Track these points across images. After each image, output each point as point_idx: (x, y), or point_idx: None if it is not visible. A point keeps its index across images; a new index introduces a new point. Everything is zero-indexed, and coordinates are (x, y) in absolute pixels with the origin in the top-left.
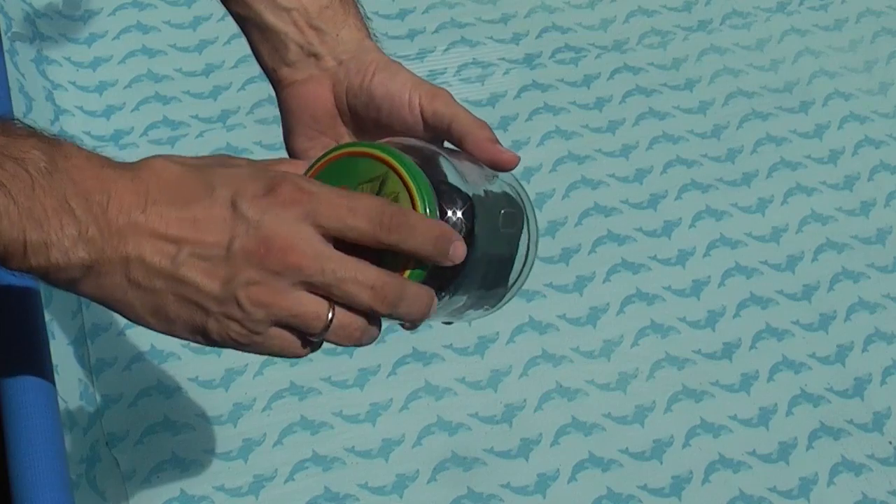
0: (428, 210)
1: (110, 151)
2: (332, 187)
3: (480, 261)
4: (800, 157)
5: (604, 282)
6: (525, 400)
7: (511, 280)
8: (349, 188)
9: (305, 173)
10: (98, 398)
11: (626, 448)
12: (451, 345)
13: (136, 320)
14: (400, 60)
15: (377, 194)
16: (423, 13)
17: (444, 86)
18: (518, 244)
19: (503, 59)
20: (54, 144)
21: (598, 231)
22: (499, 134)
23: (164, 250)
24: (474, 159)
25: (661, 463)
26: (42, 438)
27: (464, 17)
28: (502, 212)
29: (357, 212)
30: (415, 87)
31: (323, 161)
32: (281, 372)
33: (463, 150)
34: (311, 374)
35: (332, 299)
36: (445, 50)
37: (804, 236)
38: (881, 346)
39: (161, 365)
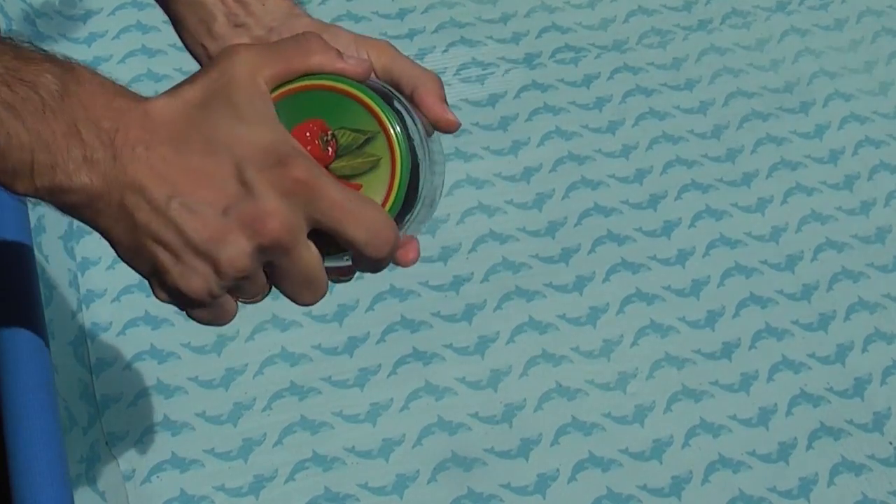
0: (399, 184)
1: None
2: (337, 182)
3: (422, 208)
4: (800, 157)
5: (604, 282)
6: (525, 400)
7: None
8: (326, 124)
9: (279, 88)
10: (98, 398)
11: (626, 448)
12: (451, 345)
13: (113, 246)
14: None
15: (357, 148)
16: (422, 13)
17: (444, 85)
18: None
19: (503, 59)
20: (68, 69)
21: (598, 231)
22: (499, 134)
23: (160, 190)
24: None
25: (661, 463)
26: (42, 438)
27: (464, 17)
28: (437, 167)
29: (358, 224)
30: (359, 44)
31: (305, 85)
32: (281, 372)
33: (411, 102)
34: (311, 374)
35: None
36: (445, 50)
37: (804, 236)
38: (881, 345)
39: (161, 365)
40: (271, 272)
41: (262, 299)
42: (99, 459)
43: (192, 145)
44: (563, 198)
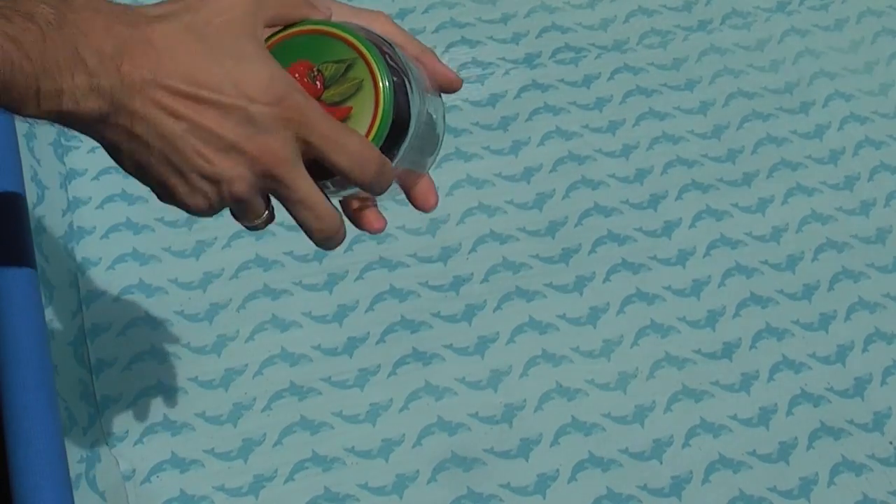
0: (384, 98)
1: None
2: (328, 115)
3: (417, 130)
4: (800, 158)
5: (604, 282)
6: (525, 400)
7: (435, 152)
8: (311, 63)
9: (269, 39)
10: (98, 398)
11: (626, 448)
12: (451, 345)
13: (118, 162)
14: None
15: (341, 76)
16: (423, 13)
17: None
18: (439, 123)
19: (503, 59)
20: None
21: (599, 231)
22: (499, 134)
23: (168, 120)
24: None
25: (661, 463)
26: (42, 438)
27: (464, 17)
28: (432, 106)
29: (343, 150)
30: (356, 13)
31: (291, 32)
32: (281, 372)
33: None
34: (310, 374)
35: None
36: (445, 50)
37: (804, 236)
38: (881, 345)
39: (161, 365)
40: (281, 202)
41: (263, 225)
42: (99, 459)
43: (199, 77)
44: (563, 198)
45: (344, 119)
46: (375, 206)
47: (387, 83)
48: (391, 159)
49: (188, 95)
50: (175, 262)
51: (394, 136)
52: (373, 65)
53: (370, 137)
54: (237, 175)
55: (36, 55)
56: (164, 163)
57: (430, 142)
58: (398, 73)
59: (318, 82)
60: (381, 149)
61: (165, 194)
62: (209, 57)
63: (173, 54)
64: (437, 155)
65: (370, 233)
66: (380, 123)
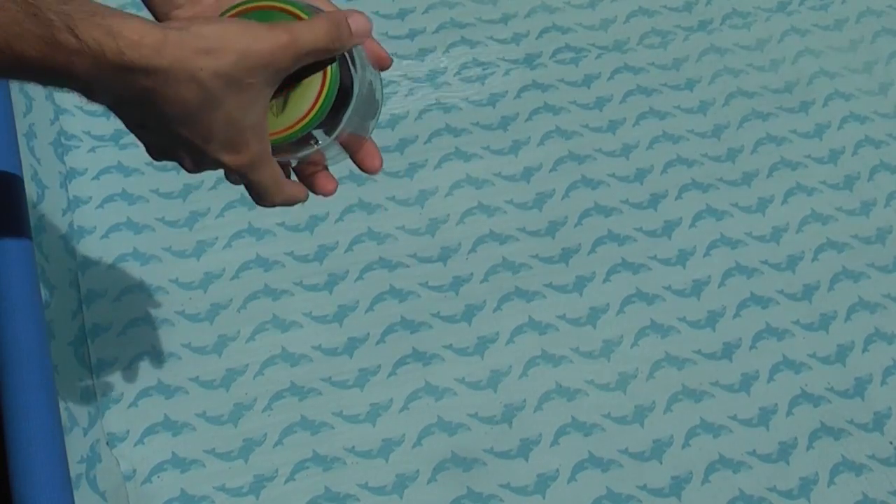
0: (332, 71)
1: (110, 151)
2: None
3: (359, 104)
4: (800, 157)
5: (604, 282)
6: (525, 400)
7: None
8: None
9: (225, 13)
10: (98, 398)
11: (626, 448)
12: (451, 345)
13: (128, 117)
14: (400, 61)
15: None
16: (423, 13)
17: (444, 86)
18: (377, 90)
19: (503, 59)
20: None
21: (599, 231)
22: (499, 134)
23: (196, 132)
24: None
25: (661, 463)
26: (42, 438)
27: (464, 17)
28: (372, 75)
29: (275, 197)
30: None
31: (247, 7)
32: (281, 372)
33: None
34: (311, 374)
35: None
36: (446, 50)
37: (804, 236)
38: (882, 345)
39: (161, 365)
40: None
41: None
42: (99, 460)
43: (195, 122)
44: (563, 197)
45: (295, 85)
46: (327, 170)
47: (332, 78)
48: (338, 123)
49: (211, 120)
50: (176, 262)
51: (340, 100)
52: (330, 71)
53: (319, 102)
54: (223, 166)
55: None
56: (182, 148)
57: (371, 107)
58: (357, 75)
59: None
60: (329, 112)
61: (177, 162)
62: (224, 102)
63: (175, 103)
64: (377, 119)
65: (323, 195)
66: (327, 90)
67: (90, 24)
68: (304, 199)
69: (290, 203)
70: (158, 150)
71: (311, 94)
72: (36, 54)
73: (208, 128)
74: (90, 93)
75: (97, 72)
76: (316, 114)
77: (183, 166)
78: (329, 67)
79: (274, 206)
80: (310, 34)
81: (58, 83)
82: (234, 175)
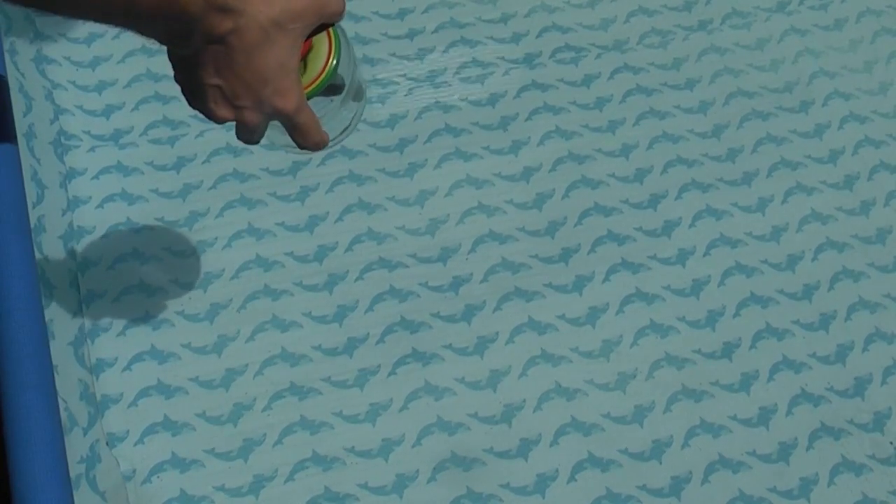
0: (335, 46)
1: (110, 151)
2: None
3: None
4: (800, 157)
5: (603, 282)
6: (524, 400)
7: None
8: (313, 41)
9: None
10: (98, 398)
11: (626, 448)
12: (451, 345)
13: (204, 83)
14: (399, 61)
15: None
16: (422, 13)
17: (443, 86)
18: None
19: (503, 58)
20: None
21: (598, 231)
22: (499, 133)
23: (230, 81)
24: None
25: (661, 463)
26: (42, 438)
27: (464, 17)
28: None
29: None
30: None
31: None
32: (281, 372)
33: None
34: (311, 374)
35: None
36: (445, 50)
37: (804, 236)
38: (882, 345)
39: (161, 365)
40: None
41: (257, 139)
42: (99, 460)
43: (257, 60)
44: (563, 197)
45: (308, 50)
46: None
47: (339, 39)
48: (340, 90)
49: (251, 66)
50: (176, 262)
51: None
52: (332, 32)
53: (332, 56)
54: (252, 113)
55: None
56: (214, 88)
57: (359, 94)
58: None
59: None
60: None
61: (202, 106)
62: (266, 52)
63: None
64: (364, 98)
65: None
66: (336, 47)
67: None
68: (328, 142)
69: (323, 143)
70: (226, 98)
71: (323, 54)
72: None
73: (264, 69)
74: (190, 34)
75: (203, 9)
76: (334, 62)
77: (243, 118)
78: (331, 30)
79: (314, 144)
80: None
81: (172, 25)
82: (284, 119)
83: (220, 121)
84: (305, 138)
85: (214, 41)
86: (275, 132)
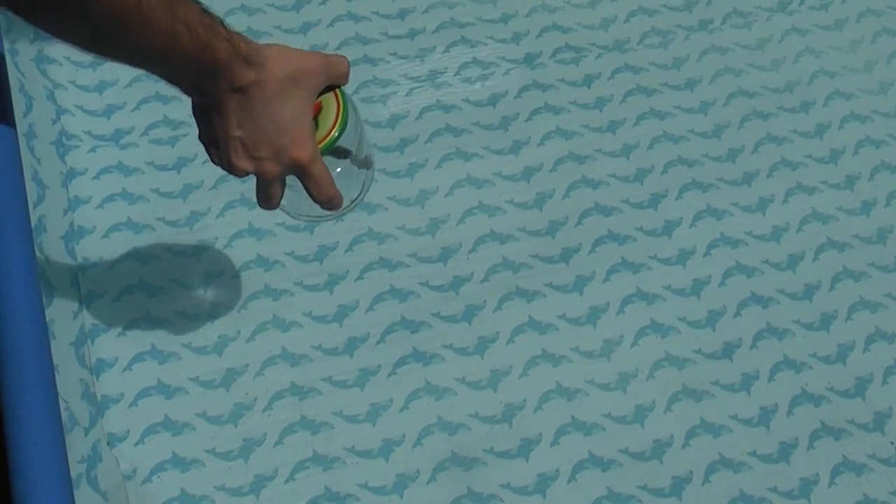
0: (343, 108)
1: (111, 151)
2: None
3: (358, 151)
4: (800, 157)
5: (604, 281)
6: (525, 400)
7: (368, 161)
8: (322, 102)
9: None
10: (98, 398)
11: (626, 448)
12: (451, 345)
13: (227, 135)
14: (400, 61)
15: (325, 96)
16: (423, 13)
17: (443, 86)
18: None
19: (503, 58)
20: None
21: (599, 231)
22: (499, 134)
23: (250, 131)
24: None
25: (661, 463)
26: (42, 438)
27: (464, 17)
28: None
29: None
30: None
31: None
32: (282, 372)
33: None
34: (311, 374)
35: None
36: (446, 50)
37: (805, 236)
38: (882, 345)
39: (161, 365)
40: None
41: (276, 202)
42: (100, 459)
43: (275, 112)
44: (563, 197)
45: (319, 111)
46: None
47: (345, 99)
48: (348, 154)
49: (267, 120)
50: (176, 261)
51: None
52: (339, 94)
53: (340, 114)
54: (270, 165)
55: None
56: (236, 141)
57: (364, 158)
58: (349, 106)
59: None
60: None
61: (221, 160)
62: (281, 105)
63: (268, 92)
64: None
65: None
66: (343, 106)
67: (227, 28)
68: (341, 203)
69: (336, 199)
70: (247, 149)
71: (332, 114)
72: (205, 39)
73: (282, 121)
74: (217, 81)
75: (230, 57)
76: (342, 123)
77: (262, 169)
78: (338, 91)
79: (328, 197)
80: (335, 61)
81: (202, 72)
82: (300, 169)
83: (240, 173)
84: (320, 190)
85: (237, 90)
86: (293, 199)
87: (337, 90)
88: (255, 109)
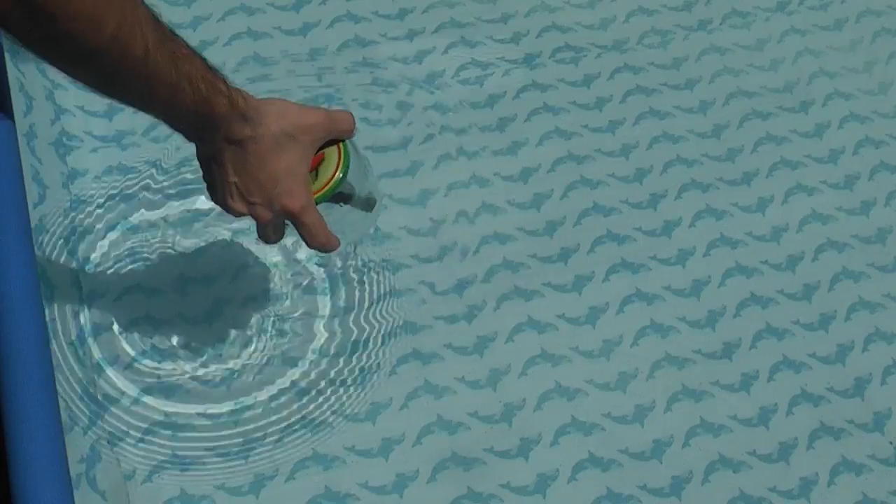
0: (344, 157)
1: (112, 152)
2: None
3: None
4: (800, 157)
5: (603, 281)
6: (524, 400)
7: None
8: (325, 154)
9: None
10: (99, 398)
11: (626, 448)
12: (451, 345)
13: (224, 181)
14: (400, 61)
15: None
16: (422, 13)
17: (443, 86)
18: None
19: (503, 59)
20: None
21: (598, 231)
22: (497, 134)
23: (247, 180)
24: None
25: (661, 463)
26: (42, 438)
27: (464, 17)
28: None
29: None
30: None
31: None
32: (281, 371)
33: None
34: (313, 374)
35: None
36: (445, 51)
37: (805, 236)
38: (882, 345)
39: (161, 365)
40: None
41: (276, 240)
42: (100, 459)
43: (269, 164)
44: (561, 197)
45: (320, 162)
46: None
47: (348, 152)
48: (349, 199)
49: (264, 170)
50: (177, 261)
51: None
52: (340, 146)
53: (340, 166)
54: (264, 210)
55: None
56: (232, 188)
57: (371, 179)
58: (351, 153)
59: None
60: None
61: (220, 200)
62: (277, 157)
63: (261, 148)
64: (378, 201)
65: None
66: (344, 159)
67: (228, 85)
68: (337, 246)
69: (330, 245)
70: (242, 194)
71: (333, 165)
72: (205, 94)
73: (275, 172)
74: (215, 133)
75: (227, 113)
76: (340, 174)
77: (256, 213)
78: (341, 144)
79: (320, 244)
80: (339, 117)
81: (201, 123)
82: (291, 217)
83: (235, 213)
84: (312, 238)
85: (234, 143)
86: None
87: (341, 143)
88: (249, 161)
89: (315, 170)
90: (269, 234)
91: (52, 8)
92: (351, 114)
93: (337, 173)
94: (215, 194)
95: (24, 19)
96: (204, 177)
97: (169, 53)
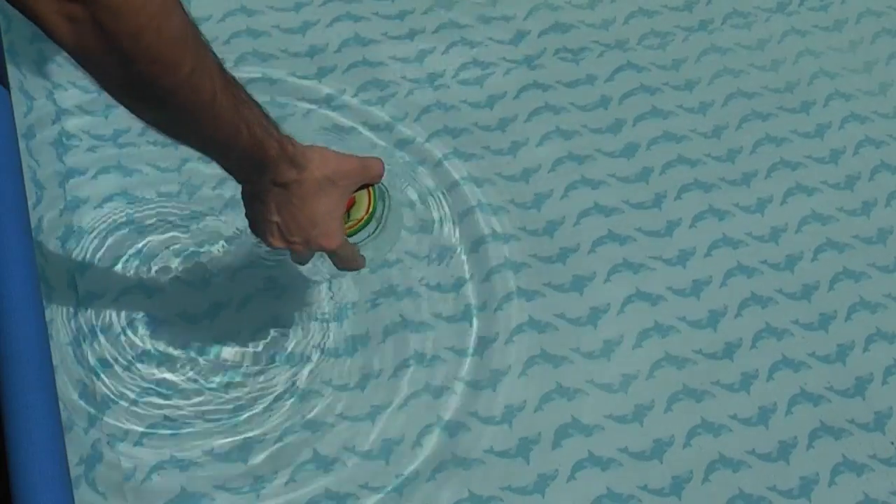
0: (374, 200)
1: (110, 150)
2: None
3: (386, 230)
4: (800, 157)
5: (604, 282)
6: (525, 400)
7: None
8: (356, 198)
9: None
10: (98, 398)
11: (626, 448)
12: (451, 345)
13: (266, 218)
14: (399, 61)
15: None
16: (423, 13)
17: (443, 87)
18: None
19: (503, 59)
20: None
21: (599, 231)
22: (497, 135)
23: (289, 220)
24: None
25: (661, 462)
26: (42, 438)
27: (464, 18)
28: (394, 219)
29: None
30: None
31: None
32: (283, 373)
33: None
34: (312, 376)
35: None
36: (445, 51)
37: (805, 236)
38: (882, 345)
39: (161, 365)
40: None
41: (305, 263)
42: (99, 459)
43: (310, 206)
44: (561, 197)
45: (352, 205)
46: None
47: (376, 195)
48: (373, 231)
49: (302, 211)
50: (176, 262)
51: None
52: (371, 189)
53: (370, 208)
54: (303, 248)
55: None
56: (270, 223)
57: (388, 236)
58: (382, 196)
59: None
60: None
61: (263, 235)
62: (317, 200)
63: (306, 189)
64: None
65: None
66: (374, 200)
67: (279, 131)
68: (363, 266)
69: (358, 267)
70: (282, 233)
71: (363, 207)
72: (260, 138)
73: (315, 214)
74: (263, 174)
75: (278, 156)
76: (370, 215)
77: (294, 249)
78: (372, 188)
79: (352, 270)
80: (371, 164)
81: (253, 165)
82: (329, 252)
83: (274, 248)
84: (345, 265)
85: (279, 185)
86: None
87: (371, 187)
88: (293, 203)
89: (348, 211)
90: (302, 260)
91: (136, 50)
92: (381, 160)
93: (365, 217)
94: (256, 230)
95: (107, 61)
96: (246, 214)
97: (232, 98)
